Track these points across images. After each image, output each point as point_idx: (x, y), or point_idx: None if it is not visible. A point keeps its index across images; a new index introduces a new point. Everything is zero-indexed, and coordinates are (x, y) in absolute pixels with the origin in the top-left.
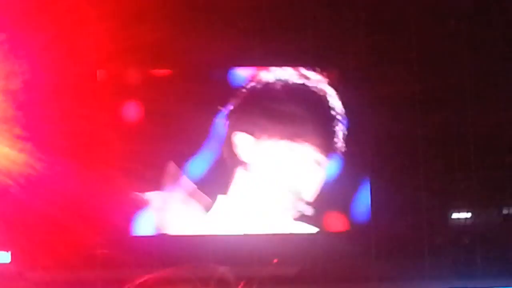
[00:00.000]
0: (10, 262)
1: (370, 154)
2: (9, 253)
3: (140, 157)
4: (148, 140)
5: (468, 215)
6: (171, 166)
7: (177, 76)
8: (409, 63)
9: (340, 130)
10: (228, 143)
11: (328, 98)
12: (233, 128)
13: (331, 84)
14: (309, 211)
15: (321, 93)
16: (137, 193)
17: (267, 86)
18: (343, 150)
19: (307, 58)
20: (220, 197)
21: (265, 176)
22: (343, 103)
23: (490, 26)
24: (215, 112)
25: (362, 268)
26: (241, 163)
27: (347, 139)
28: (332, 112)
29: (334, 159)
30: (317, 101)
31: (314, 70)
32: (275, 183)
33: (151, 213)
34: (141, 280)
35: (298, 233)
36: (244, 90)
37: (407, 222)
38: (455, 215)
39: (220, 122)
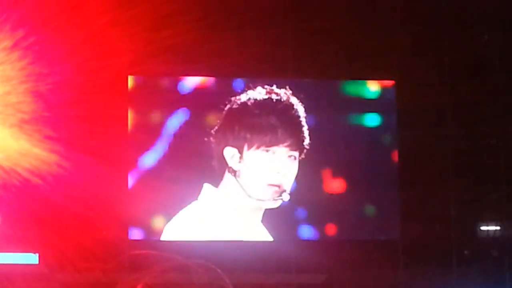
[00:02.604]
0: (38, 263)
1: (398, 165)
2: (37, 255)
3: (170, 159)
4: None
5: (497, 227)
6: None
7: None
8: (443, 70)
9: (306, 129)
10: (219, 158)
11: (294, 106)
12: (220, 144)
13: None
14: (287, 197)
15: (288, 103)
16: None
17: (242, 104)
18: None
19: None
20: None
21: (251, 178)
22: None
23: None
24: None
25: (390, 277)
26: (232, 171)
27: (374, 152)
28: (299, 116)
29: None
30: (285, 110)
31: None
32: (259, 182)
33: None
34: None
35: (327, 241)
36: (224, 112)
37: (436, 233)
38: (483, 227)
39: (210, 139)
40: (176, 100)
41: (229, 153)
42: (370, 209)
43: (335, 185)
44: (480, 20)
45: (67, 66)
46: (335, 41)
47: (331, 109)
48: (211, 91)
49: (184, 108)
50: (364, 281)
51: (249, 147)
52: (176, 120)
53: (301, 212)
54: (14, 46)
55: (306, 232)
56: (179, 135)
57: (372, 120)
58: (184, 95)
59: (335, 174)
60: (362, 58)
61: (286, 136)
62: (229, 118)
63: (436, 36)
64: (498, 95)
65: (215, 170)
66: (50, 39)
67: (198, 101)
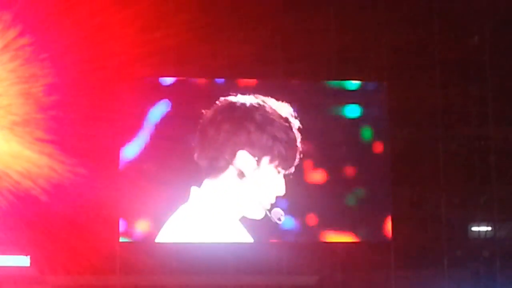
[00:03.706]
0: (30, 266)
1: (390, 166)
2: (28, 257)
3: (165, 159)
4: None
5: (488, 228)
6: None
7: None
8: (434, 71)
9: (299, 144)
10: (229, 156)
11: (290, 120)
12: (236, 145)
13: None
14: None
15: (282, 119)
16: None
17: (269, 113)
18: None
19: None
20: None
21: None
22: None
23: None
24: None
25: (381, 279)
26: (240, 174)
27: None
28: (290, 131)
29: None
30: (279, 127)
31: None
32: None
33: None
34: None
35: (319, 242)
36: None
37: (427, 234)
38: (475, 228)
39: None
40: (158, 92)
41: (244, 157)
42: (352, 200)
43: (316, 176)
44: (470, 21)
45: (58, 67)
46: (326, 42)
47: (312, 100)
48: (193, 83)
49: (166, 100)
50: (356, 282)
51: (269, 161)
52: (158, 112)
53: (281, 203)
54: (5, 48)
55: (288, 223)
56: (161, 127)
57: (353, 111)
58: (166, 86)
59: (316, 165)
60: (353, 59)
61: (294, 158)
62: (262, 123)
63: (426, 37)
64: (488, 96)
65: (213, 166)
66: (42, 41)
67: (180, 93)
